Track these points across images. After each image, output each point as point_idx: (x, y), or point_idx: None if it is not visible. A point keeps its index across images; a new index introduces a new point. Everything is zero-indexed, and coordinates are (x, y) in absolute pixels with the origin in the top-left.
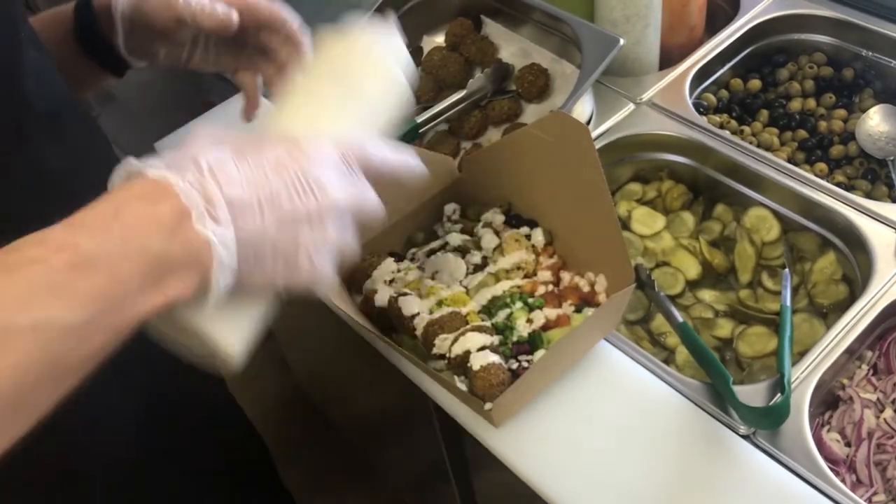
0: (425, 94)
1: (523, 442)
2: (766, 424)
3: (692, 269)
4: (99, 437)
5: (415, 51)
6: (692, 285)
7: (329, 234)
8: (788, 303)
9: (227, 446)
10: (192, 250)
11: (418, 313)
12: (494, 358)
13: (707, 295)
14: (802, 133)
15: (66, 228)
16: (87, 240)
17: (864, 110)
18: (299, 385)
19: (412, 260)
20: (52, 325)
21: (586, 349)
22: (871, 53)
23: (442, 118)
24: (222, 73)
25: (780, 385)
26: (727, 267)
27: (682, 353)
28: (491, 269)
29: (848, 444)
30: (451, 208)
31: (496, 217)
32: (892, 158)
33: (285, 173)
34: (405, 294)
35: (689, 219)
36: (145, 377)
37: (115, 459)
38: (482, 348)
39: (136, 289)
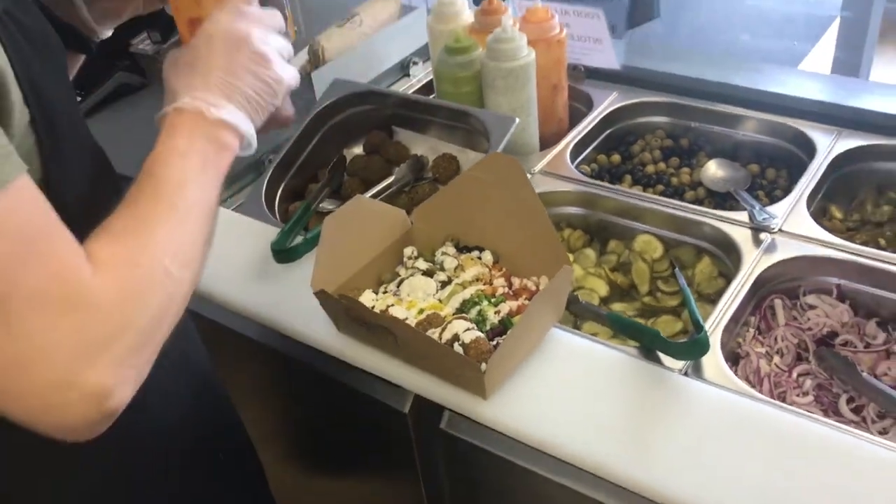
0: (354, 191)
1: (508, 408)
2: (694, 354)
3: (602, 289)
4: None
5: (338, 160)
6: (605, 301)
7: (277, 47)
8: (685, 284)
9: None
10: (221, 125)
11: (406, 319)
12: (480, 334)
13: (618, 306)
14: (661, 187)
15: (169, 152)
16: (182, 145)
17: (702, 165)
18: None
19: (385, 292)
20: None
21: (547, 324)
22: (699, 124)
23: None
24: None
25: (697, 330)
26: (629, 283)
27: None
28: (457, 281)
29: (753, 387)
30: (409, 251)
31: (449, 249)
32: (732, 189)
33: (239, 59)
34: (392, 305)
35: (590, 254)
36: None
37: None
38: (468, 330)
39: (214, 153)
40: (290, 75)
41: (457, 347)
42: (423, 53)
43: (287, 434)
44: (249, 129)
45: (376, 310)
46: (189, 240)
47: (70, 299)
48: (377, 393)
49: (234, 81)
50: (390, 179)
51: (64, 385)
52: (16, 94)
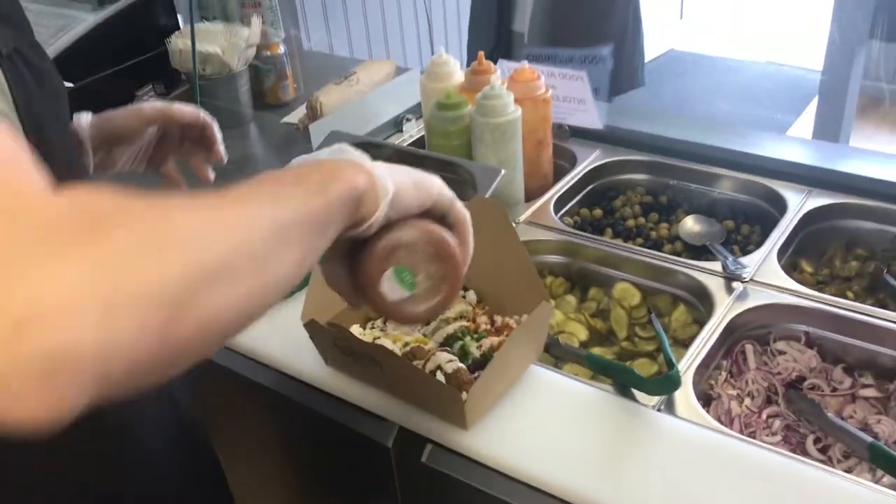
0: None
1: (490, 439)
2: (666, 389)
3: (582, 333)
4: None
5: None
6: (584, 345)
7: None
8: (660, 327)
9: None
10: (349, 160)
11: (392, 351)
12: (462, 365)
13: (597, 350)
14: (640, 240)
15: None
16: (286, 174)
17: (679, 221)
18: None
19: (372, 327)
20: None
21: (527, 358)
22: (677, 182)
23: None
24: (154, 169)
25: (669, 367)
26: (608, 329)
27: None
28: (441, 317)
29: (724, 426)
30: None
31: None
32: (708, 243)
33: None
34: (378, 338)
35: (572, 300)
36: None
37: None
38: (450, 361)
39: (323, 177)
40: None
41: (439, 377)
42: (416, 111)
43: (266, 469)
44: (381, 173)
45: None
46: (200, 226)
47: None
48: (361, 427)
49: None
50: None
51: None
52: (14, 125)
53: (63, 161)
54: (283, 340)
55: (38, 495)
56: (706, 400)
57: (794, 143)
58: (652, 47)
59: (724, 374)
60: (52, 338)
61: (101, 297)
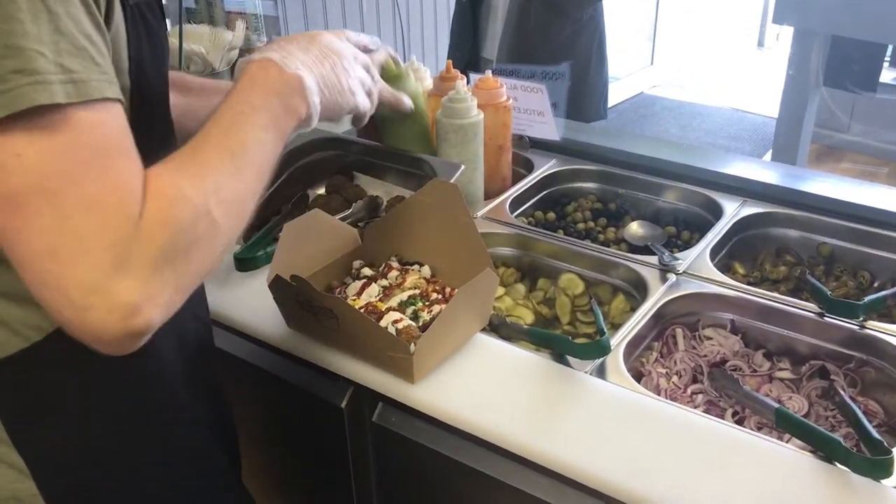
0: None
1: (438, 395)
2: (595, 353)
3: (529, 317)
4: None
5: (301, 198)
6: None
7: (359, 76)
8: (595, 305)
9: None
10: (296, 86)
11: (349, 304)
12: (411, 322)
13: None
14: (588, 242)
15: (242, 104)
16: (256, 99)
17: (625, 226)
18: None
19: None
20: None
21: (472, 321)
22: (625, 191)
23: None
24: None
25: (600, 335)
26: (553, 314)
27: None
28: (396, 286)
29: None
30: (357, 263)
31: (393, 262)
32: (649, 243)
33: (327, 58)
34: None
35: (521, 288)
36: None
37: None
38: (401, 320)
39: (282, 115)
40: (362, 100)
41: (391, 329)
42: None
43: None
44: (316, 102)
45: None
46: (238, 190)
47: (120, 213)
48: (316, 389)
49: (317, 65)
50: (347, 212)
51: (93, 288)
52: (124, 63)
53: (156, 105)
54: (250, 308)
55: None
56: (637, 376)
57: (733, 158)
58: (623, 90)
59: (654, 354)
60: (144, 319)
61: (163, 303)
